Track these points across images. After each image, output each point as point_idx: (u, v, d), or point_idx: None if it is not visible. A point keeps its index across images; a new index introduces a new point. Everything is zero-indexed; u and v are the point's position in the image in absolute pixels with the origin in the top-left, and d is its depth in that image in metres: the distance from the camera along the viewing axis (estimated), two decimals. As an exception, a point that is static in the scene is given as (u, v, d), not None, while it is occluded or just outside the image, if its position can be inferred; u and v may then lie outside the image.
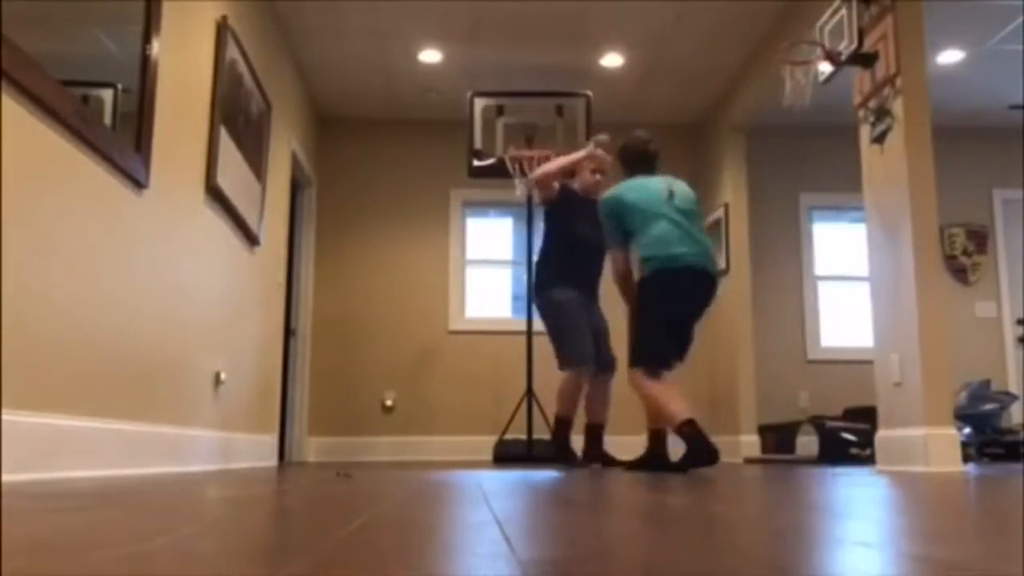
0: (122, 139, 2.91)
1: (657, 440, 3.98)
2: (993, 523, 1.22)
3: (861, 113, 4.38)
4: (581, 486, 2.32)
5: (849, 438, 5.35)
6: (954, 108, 6.51)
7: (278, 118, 5.33)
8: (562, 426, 4.43)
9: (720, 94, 6.61)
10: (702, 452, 3.47)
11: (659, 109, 6.81)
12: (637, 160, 4.04)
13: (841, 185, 6.59)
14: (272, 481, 2.60)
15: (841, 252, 7.14)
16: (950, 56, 5.83)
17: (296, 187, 6.38)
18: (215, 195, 3.95)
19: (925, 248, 3.96)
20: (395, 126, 7.09)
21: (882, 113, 4.16)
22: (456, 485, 2.27)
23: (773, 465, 4.98)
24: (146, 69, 3.09)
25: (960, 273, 7.07)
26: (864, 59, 4.21)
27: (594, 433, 4.48)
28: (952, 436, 3.81)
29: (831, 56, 4.26)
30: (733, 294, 6.40)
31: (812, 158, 7.08)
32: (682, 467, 3.53)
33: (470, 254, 7.05)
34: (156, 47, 3.14)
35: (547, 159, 5.67)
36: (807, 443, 6.05)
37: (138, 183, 3.02)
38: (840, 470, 3.87)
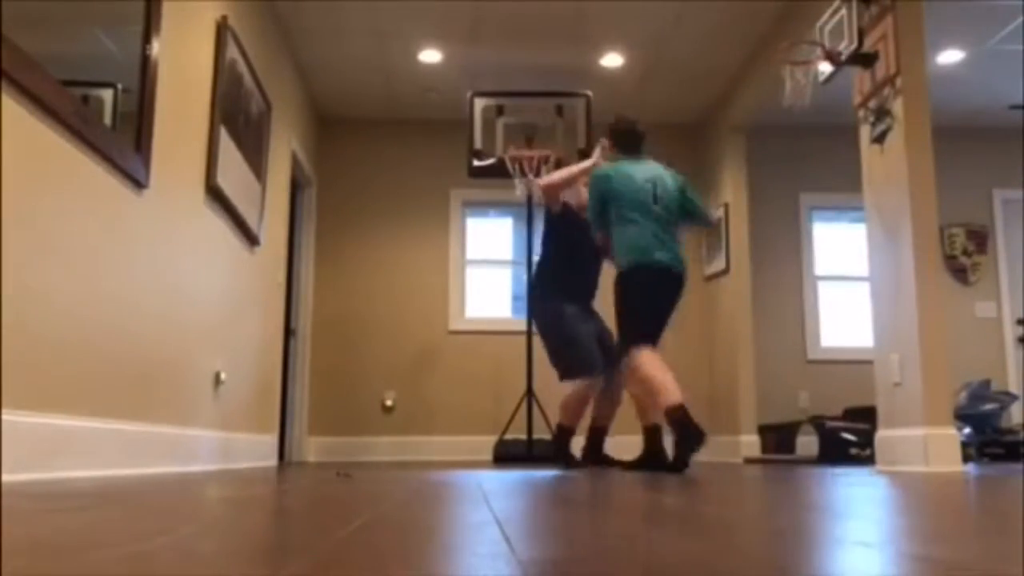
0: (122, 139, 2.91)
1: (653, 439, 3.99)
2: (993, 523, 1.22)
3: (861, 113, 4.38)
4: (581, 486, 2.32)
5: (849, 438, 5.35)
6: (954, 108, 6.51)
7: (278, 118, 5.33)
8: (564, 433, 4.40)
9: (720, 94, 6.61)
10: (691, 437, 3.57)
11: (659, 109, 6.81)
12: (627, 138, 4.14)
13: (841, 185, 6.59)
14: (272, 481, 2.60)
15: (841, 252, 7.14)
16: (950, 56, 5.83)
17: (296, 187, 6.38)
18: (215, 195, 3.95)
19: (925, 248, 3.96)
20: (395, 126, 7.09)
21: (882, 113, 4.16)
22: (456, 485, 2.27)
23: (773, 465, 4.98)
24: (146, 69, 3.09)
25: (960, 273, 7.07)
26: (864, 59, 4.21)
27: (597, 436, 4.44)
28: (952, 436, 3.81)
29: (831, 56, 4.26)
30: (733, 294, 6.41)
31: (812, 158, 7.08)
32: (677, 465, 3.59)
33: (470, 254, 7.05)
34: (156, 47, 3.14)
35: (547, 159, 5.68)
36: (807, 443, 6.05)
37: (138, 183, 3.02)
38: (840, 470, 3.87)
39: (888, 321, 4.13)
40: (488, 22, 5.55)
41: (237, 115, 4.29)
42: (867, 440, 4.81)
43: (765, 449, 6.10)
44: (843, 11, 4.22)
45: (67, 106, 2.45)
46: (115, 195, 2.86)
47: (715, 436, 6.72)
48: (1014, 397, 6.12)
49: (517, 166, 5.64)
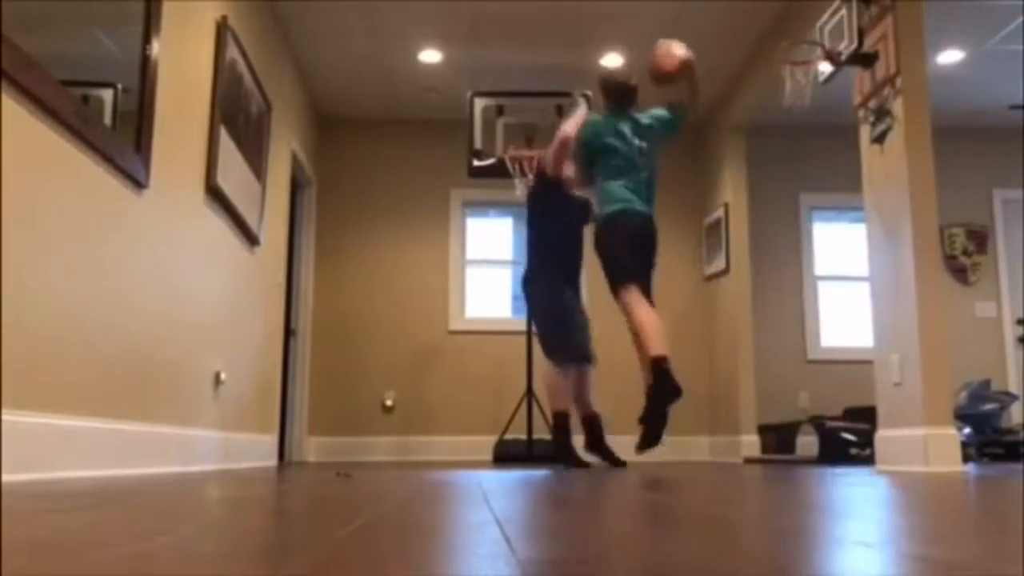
0: (122, 139, 2.91)
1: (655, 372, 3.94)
2: (993, 523, 1.22)
3: (861, 113, 4.38)
4: (581, 486, 2.32)
5: (849, 438, 5.35)
6: (954, 108, 6.51)
7: (278, 118, 5.33)
8: (561, 421, 4.41)
9: (720, 94, 6.60)
10: (667, 391, 3.73)
11: (659, 109, 6.79)
12: (620, 93, 4.26)
13: (841, 185, 6.59)
14: (272, 481, 2.60)
15: (841, 252, 7.14)
16: (950, 56, 5.83)
17: (296, 187, 6.38)
18: (215, 195, 3.95)
19: (925, 248, 3.96)
20: (395, 126, 7.09)
21: (882, 113, 4.16)
22: (456, 485, 2.27)
23: (773, 465, 4.98)
24: (146, 69, 3.09)
25: (960, 273, 7.07)
26: (864, 59, 4.21)
27: (591, 423, 4.47)
28: (952, 436, 3.81)
29: (831, 56, 4.26)
30: (733, 294, 6.41)
31: (812, 158, 7.08)
32: (655, 408, 3.76)
33: (470, 254, 7.05)
34: (156, 47, 3.14)
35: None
36: (807, 443, 6.05)
37: (138, 183, 3.02)
38: (840, 470, 3.87)
39: (888, 321, 4.13)
40: (488, 22, 5.55)
41: (237, 115, 4.29)
42: (867, 440, 4.81)
43: (765, 449, 6.10)
44: (843, 11, 4.22)
45: (67, 106, 2.45)
46: (115, 195, 2.86)
47: (715, 436, 6.73)
48: (1014, 397, 6.12)
49: (517, 166, 5.64)
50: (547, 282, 4.55)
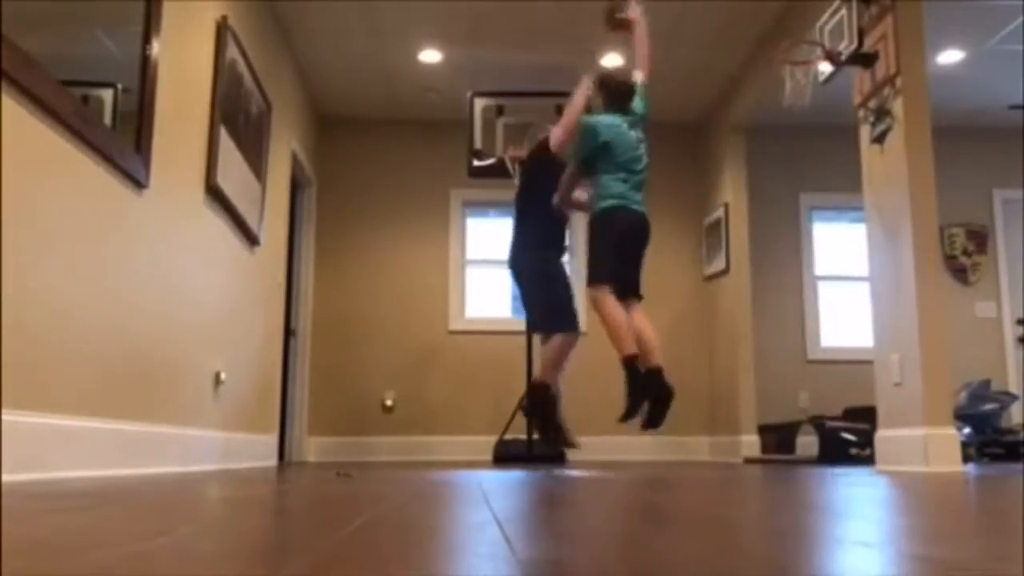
0: (122, 139, 2.91)
1: (632, 369, 3.96)
2: (993, 523, 1.22)
3: (861, 113, 4.38)
4: (581, 486, 2.33)
5: (849, 438, 5.35)
6: (954, 108, 6.51)
7: (278, 118, 5.33)
8: (543, 391, 4.33)
9: (720, 94, 6.61)
10: (643, 389, 3.81)
11: (659, 109, 6.74)
12: (619, 96, 4.22)
13: (841, 185, 6.58)
14: (272, 481, 2.60)
15: (841, 252, 7.13)
16: (950, 56, 5.83)
17: (296, 187, 6.38)
18: (215, 195, 3.95)
19: (925, 248, 3.96)
20: (395, 126, 7.09)
21: (882, 113, 4.16)
22: (456, 485, 2.27)
23: (773, 465, 4.98)
24: (146, 69, 3.09)
25: (960, 273, 7.07)
26: (864, 59, 4.21)
27: (552, 396, 4.44)
28: (952, 436, 3.81)
29: (831, 56, 4.26)
30: (733, 294, 6.41)
31: (812, 158, 7.08)
32: (628, 415, 3.83)
33: (470, 254, 7.05)
34: (156, 47, 3.14)
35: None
36: (807, 443, 6.05)
37: (138, 183, 3.02)
38: (840, 470, 3.87)
39: (888, 321, 4.13)
40: (488, 22, 5.55)
41: (237, 115, 4.29)
42: (867, 440, 4.81)
43: (765, 449, 6.10)
44: (843, 11, 4.22)
45: (67, 106, 2.45)
46: (115, 195, 2.86)
47: (715, 436, 6.72)
48: (1014, 397, 6.12)
49: (517, 166, 5.63)
50: (539, 252, 4.53)
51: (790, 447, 6.12)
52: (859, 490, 2.09)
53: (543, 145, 4.62)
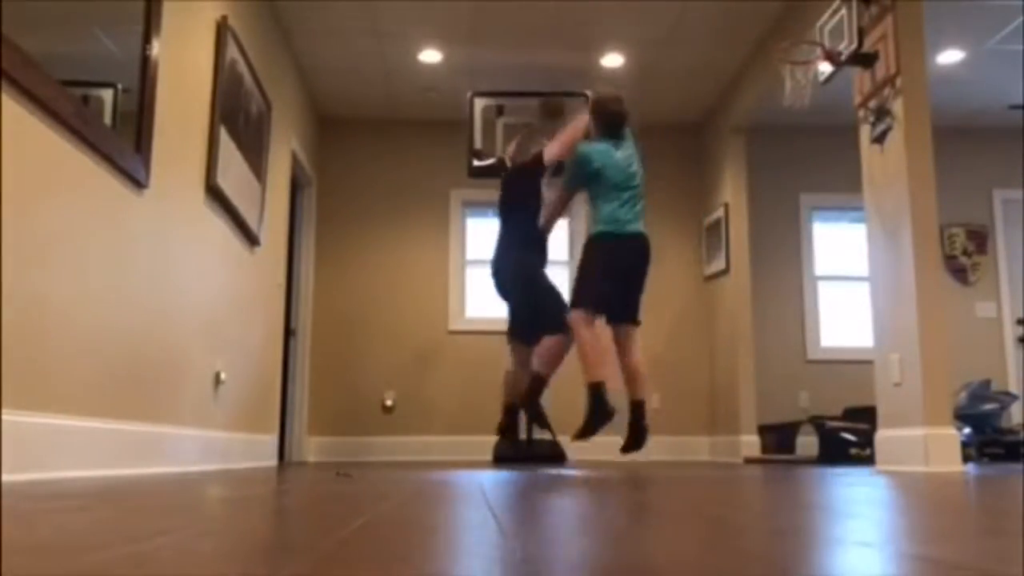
0: (122, 139, 2.91)
1: (596, 395, 4.00)
2: (993, 523, 1.22)
3: (861, 113, 4.38)
4: (581, 487, 2.33)
5: (849, 438, 5.35)
6: (954, 108, 6.51)
7: (278, 118, 5.33)
8: (539, 383, 4.39)
9: (720, 94, 6.61)
10: (601, 413, 3.88)
11: (659, 109, 6.80)
12: (611, 122, 4.22)
13: (841, 185, 6.58)
14: (272, 481, 2.60)
15: (841, 252, 7.13)
16: (950, 56, 5.82)
17: (296, 187, 6.38)
18: (215, 195, 3.95)
19: (925, 248, 3.96)
20: (395, 126, 7.09)
21: (882, 113, 4.16)
22: (456, 485, 2.27)
23: (773, 465, 4.98)
24: (146, 69, 3.09)
25: (960, 273, 7.07)
26: (864, 59, 4.21)
27: (515, 415, 4.55)
28: (952, 436, 3.81)
29: (831, 56, 4.26)
30: (733, 294, 6.40)
31: (812, 158, 7.08)
32: (584, 434, 3.91)
33: (470, 254, 7.05)
34: (156, 47, 3.14)
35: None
36: (807, 443, 6.05)
37: (138, 183, 3.02)
38: (840, 470, 3.87)
39: (888, 321, 4.13)
40: (488, 22, 5.55)
41: (237, 115, 4.29)
42: (867, 440, 4.81)
43: (765, 449, 6.10)
44: (843, 11, 4.22)
45: (67, 106, 2.45)
46: (115, 195, 2.86)
47: (715, 436, 6.72)
48: (1014, 397, 6.12)
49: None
50: (531, 258, 4.61)
51: (790, 447, 6.12)
52: (859, 490, 2.09)
53: (537, 158, 4.66)
